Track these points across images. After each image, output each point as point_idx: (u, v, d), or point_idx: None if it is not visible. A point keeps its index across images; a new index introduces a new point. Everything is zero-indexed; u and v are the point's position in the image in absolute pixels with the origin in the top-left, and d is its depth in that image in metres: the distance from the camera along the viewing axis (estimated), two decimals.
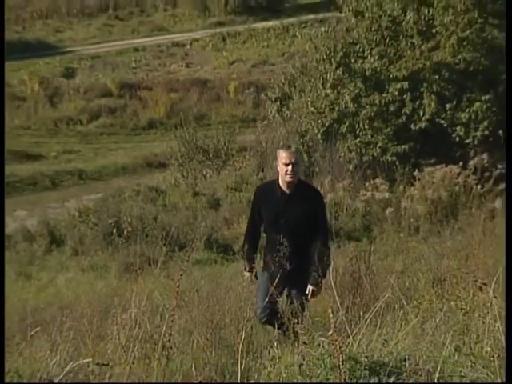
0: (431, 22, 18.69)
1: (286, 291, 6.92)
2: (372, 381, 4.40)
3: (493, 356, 4.69)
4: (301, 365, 4.65)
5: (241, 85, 33.69)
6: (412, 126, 18.22)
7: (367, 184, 17.75)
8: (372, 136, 18.40)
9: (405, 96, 18.25)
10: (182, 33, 41.25)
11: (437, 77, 18.14)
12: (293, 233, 6.75)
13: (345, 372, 4.29)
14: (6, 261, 16.93)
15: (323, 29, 20.80)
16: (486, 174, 17.17)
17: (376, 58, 18.61)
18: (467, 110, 18.03)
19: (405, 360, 4.59)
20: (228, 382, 5.28)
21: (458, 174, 17.05)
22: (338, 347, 4.25)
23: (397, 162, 18.08)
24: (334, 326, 4.36)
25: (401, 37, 18.87)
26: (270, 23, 40.81)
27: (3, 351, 4.22)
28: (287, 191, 6.94)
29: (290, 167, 6.80)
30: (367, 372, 4.46)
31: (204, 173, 22.48)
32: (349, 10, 19.48)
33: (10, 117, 31.01)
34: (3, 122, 23.47)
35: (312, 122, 19.06)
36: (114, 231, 17.01)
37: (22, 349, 5.43)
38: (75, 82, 34.54)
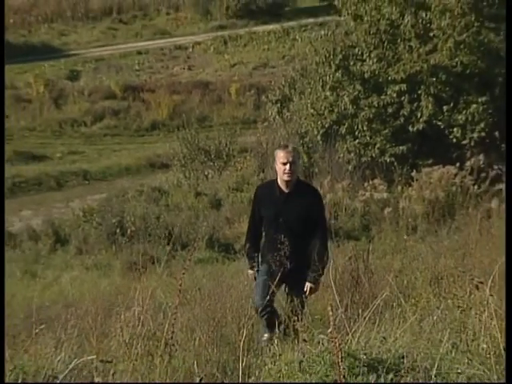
0: (429, 25, 18.69)
1: (286, 289, 6.91)
2: (371, 377, 4.39)
3: (489, 353, 4.69)
4: (301, 362, 4.65)
5: (242, 87, 33.66)
6: (410, 128, 18.22)
7: (366, 184, 17.75)
8: (371, 137, 18.39)
9: (403, 98, 18.25)
10: (184, 36, 41.19)
11: (434, 79, 18.14)
12: (292, 231, 6.76)
13: (344, 369, 4.28)
14: (11, 259, 16.96)
15: (323, 32, 20.84)
16: (483, 174, 17.18)
17: (374, 60, 18.61)
18: (464, 112, 18.03)
19: (403, 357, 4.59)
20: (229, 378, 5.28)
21: (455, 175, 17.05)
22: (337, 344, 4.25)
23: (395, 163, 18.08)
24: (334, 324, 4.36)
25: (399, 40, 18.87)
26: (271, 27, 40.75)
27: (3, 351, 4.21)
28: (286, 190, 6.94)
29: (287, 166, 6.80)
30: (366, 369, 4.45)
31: (206, 173, 22.48)
32: (348, 14, 19.48)
33: (16, 118, 31.04)
34: (3, 123, 23.38)
35: (312, 124, 19.06)
36: (118, 231, 17.01)
37: (28, 346, 5.42)
38: (80, 85, 34.50)
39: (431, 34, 18.68)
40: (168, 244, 15.41)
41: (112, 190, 21.80)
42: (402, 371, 4.43)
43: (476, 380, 4.50)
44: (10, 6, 42.41)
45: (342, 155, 18.52)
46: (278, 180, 6.97)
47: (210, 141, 23.39)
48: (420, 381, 4.38)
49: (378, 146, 18.25)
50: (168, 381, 4.86)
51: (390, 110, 18.35)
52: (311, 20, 40.39)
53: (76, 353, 5.06)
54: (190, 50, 39.43)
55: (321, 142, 18.95)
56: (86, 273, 15.83)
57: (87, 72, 36.25)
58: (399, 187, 17.62)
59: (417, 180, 17.30)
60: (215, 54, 38.71)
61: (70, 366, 4.41)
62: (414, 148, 18.33)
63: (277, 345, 5.44)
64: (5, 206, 17.80)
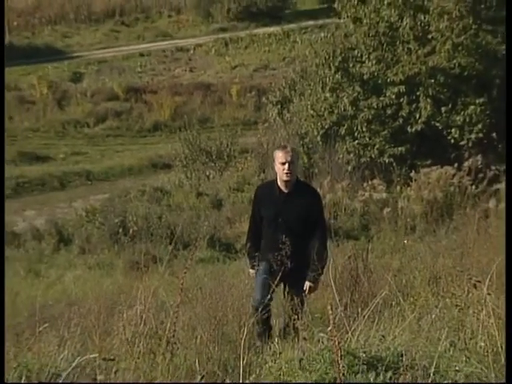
0: (427, 27, 18.68)
1: (286, 288, 6.91)
2: (370, 375, 4.40)
3: (487, 351, 4.69)
4: (301, 360, 4.65)
5: (243, 88, 33.64)
6: (408, 129, 18.22)
7: (365, 185, 17.74)
8: (370, 138, 18.39)
9: (401, 99, 18.25)
10: (185, 38, 41.18)
11: (432, 81, 18.13)
12: (291, 231, 6.75)
13: (343, 367, 4.28)
14: (15, 258, 16.96)
15: (322, 34, 20.84)
16: (480, 175, 17.16)
17: (374, 62, 18.61)
18: (462, 113, 18.03)
19: (402, 355, 4.59)
20: (230, 376, 5.28)
21: (453, 175, 17.04)
22: (336, 343, 4.25)
23: (394, 164, 18.08)
24: (333, 322, 4.36)
25: (398, 42, 18.87)
26: (271, 29, 40.73)
27: (3, 351, 4.21)
28: (285, 190, 6.94)
29: (286, 166, 6.80)
30: (365, 367, 4.46)
31: (207, 174, 22.47)
32: (347, 17, 19.48)
33: (20, 119, 31.04)
34: (3, 123, 23.35)
35: (312, 125, 19.05)
36: (120, 230, 17.00)
37: (31, 344, 5.43)
38: (83, 86, 34.49)
39: (429, 37, 18.67)
40: (170, 243, 15.40)
41: (114, 190, 21.79)
42: (401, 369, 4.43)
43: (474, 378, 4.50)
44: (14, 9, 42.47)
45: (341, 156, 18.52)
46: (278, 180, 6.97)
47: (211, 141, 23.38)
48: (418, 378, 4.38)
49: (377, 146, 18.25)
50: (170, 378, 4.86)
51: (388, 112, 18.35)
52: (311, 22, 40.39)
53: (79, 351, 5.07)
54: (192, 52, 39.42)
55: (321, 143, 18.95)
56: (89, 272, 15.82)
57: (90, 74, 36.24)
58: (398, 187, 17.61)
59: (415, 180, 17.29)
60: (216, 56, 38.70)
61: (73, 364, 4.41)
62: (412, 149, 18.33)
63: (277, 343, 5.44)
64: (5, 206, 17.77)
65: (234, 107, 32.58)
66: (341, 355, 4.24)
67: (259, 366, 5.12)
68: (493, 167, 17.26)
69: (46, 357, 4.75)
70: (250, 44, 39.83)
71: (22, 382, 4.28)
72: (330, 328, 4.38)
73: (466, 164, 17.31)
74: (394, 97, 18.21)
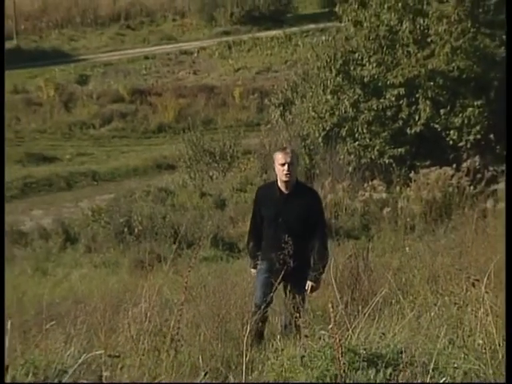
0: (426, 31, 18.67)
1: (287, 287, 6.90)
2: (370, 372, 4.40)
3: (485, 348, 4.69)
4: (302, 356, 4.65)
5: (245, 91, 33.65)
6: (408, 130, 18.21)
7: (365, 185, 17.73)
8: (370, 139, 18.38)
9: (401, 101, 18.25)
10: (189, 42, 41.19)
11: (432, 83, 18.12)
12: (291, 231, 6.73)
13: (344, 363, 4.29)
14: (23, 257, 16.98)
15: (324, 38, 20.81)
16: (478, 175, 17.15)
17: (374, 65, 18.60)
18: (460, 115, 18.01)
19: (401, 352, 4.59)
20: (233, 372, 5.28)
21: (452, 176, 17.03)
22: (337, 340, 4.25)
23: (393, 164, 18.07)
24: (334, 320, 4.36)
25: (397, 45, 18.86)
26: (273, 32, 40.73)
27: (3, 351, 4.20)
28: (285, 191, 6.94)
29: (286, 167, 6.80)
30: (365, 363, 4.46)
31: (210, 174, 22.49)
32: (348, 20, 19.47)
33: (27, 121, 31.07)
34: (3, 124, 23.33)
35: (313, 126, 19.05)
36: (126, 230, 17.01)
37: (38, 341, 5.43)
38: (89, 88, 34.51)
39: (429, 40, 18.66)
40: (174, 243, 15.39)
41: (120, 191, 21.81)
42: (401, 366, 4.43)
43: (472, 374, 4.50)
44: (22, 13, 42.49)
45: (342, 157, 18.51)
46: (278, 181, 6.97)
47: (214, 143, 23.39)
48: (418, 375, 4.38)
49: (377, 147, 18.24)
50: (174, 375, 4.86)
51: (388, 113, 18.34)
52: (313, 26, 40.36)
53: (85, 348, 5.07)
54: (196, 55, 39.43)
55: (322, 144, 18.94)
56: (95, 270, 15.83)
57: (96, 76, 36.26)
58: (398, 188, 17.60)
59: (415, 181, 17.28)
60: (220, 59, 38.71)
61: (80, 361, 4.40)
62: (412, 150, 18.32)
63: (279, 340, 5.44)
64: (4, 207, 17.76)
65: (237, 109, 32.58)
66: (342, 352, 4.24)
67: (262, 363, 5.13)
68: (491, 168, 17.26)
69: (52, 353, 4.74)
70: (253, 47, 39.84)
71: (28, 378, 4.28)
72: (331, 326, 4.38)
73: (464, 165, 17.29)
74: (393, 99, 18.20)
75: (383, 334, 4.91)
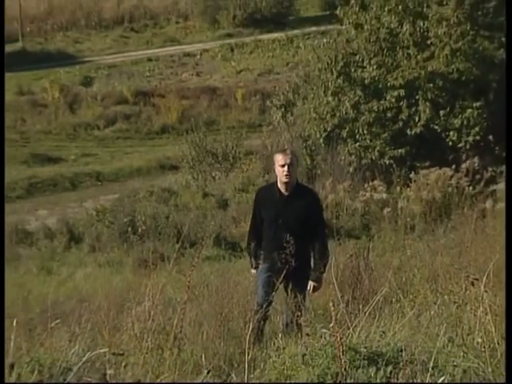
0: (426, 33, 18.67)
1: (288, 287, 6.89)
2: (370, 370, 4.39)
3: (484, 347, 4.69)
4: (304, 355, 4.65)
5: (248, 92, 33.69)
6: (408, 131, 18.21)
7: (366, 185, 17.73)
8: (371, 140, 18.39)
9: (401, 103, 18.25)
10: (192, 44, 41.24)
11: (431, 85, 18.12)
12: (292, 232, 6.71)
13: (345, 361, 4.28)
14: (28, 257, 16.98)
15: (325, 40, 20.83)
16: (477, 176, 17.15)
17: (374, 67, 18.60)
18: (460, 117, 18.01)
19: (401, 350, 4.58)
20: (236, 370, 5.27)
21: (451, 176, 17.02)
22: (338, 338, 4.25)
23: (394, 165, 18.07)
24: (335, 319, 4.36)
25: (398, 48, 18.86)
26: (275, 35, 40.78)
27: (3, 351, 4.20)
28: (285, 192, 6.92)
29: (285, 168, 6.78)
30: (366, 362, 4.45)
31: (213, 175, 22.49)
32: (349, 23, 19.47)
33: (33, 122, 31.12)
34: (3, 124, 23.31)
35: (314, 128, 19.05)
36: (129, 229, 17.02)
37: (43, 339, 5.43)
38: (93, 90, 34.57)
39: (428, 42, 18.67)
40: (177, 242, 15.39)
41: (124, 191, 21.82)
42: (401, 364, 4.42)
43: (471, 372, 4.49)
44: (27, 15, 42.55)
45: (343, 157, 18.51)
46: (278, 182, 6.96)
47: (217, 144, 23.41)
48: (418, 373, 4.38)
49: (377, 148, 18.24)
50: (177, 373, 4.85)
51: (389, 115, 18.34)
52: (314, 28, 40.40)
53: (89, 346, 5.06)
54: (198, 57, 39.47)
55: (323, 145, 18.95)
56: (99, 269, 15.83)
57: (100, 78, 36.33)
58: (398, 188, 17.60)
59: (415, 181, 17.28)
60: (222, 61, 38.75)
61: (84, 359, 4.40)
62: (412, 151, 18.32)
63: (281, 338, 5.44)
64: (4, 207, 17.75)
65: (240, 110, 32.62)
66: (342, 350, 4.24)
67: (264, 361, 5.12)
68: (490, 169, 17.25)
69: (57, 352, 4.75)
70: (255, 49, 39.87)
71: (33, 376, 4.28)
72: (332, 324, 4.37)
73: (463, 165, 17.29)
74: (394, 100, 18.20)
75: (383, 332, 4.90)
